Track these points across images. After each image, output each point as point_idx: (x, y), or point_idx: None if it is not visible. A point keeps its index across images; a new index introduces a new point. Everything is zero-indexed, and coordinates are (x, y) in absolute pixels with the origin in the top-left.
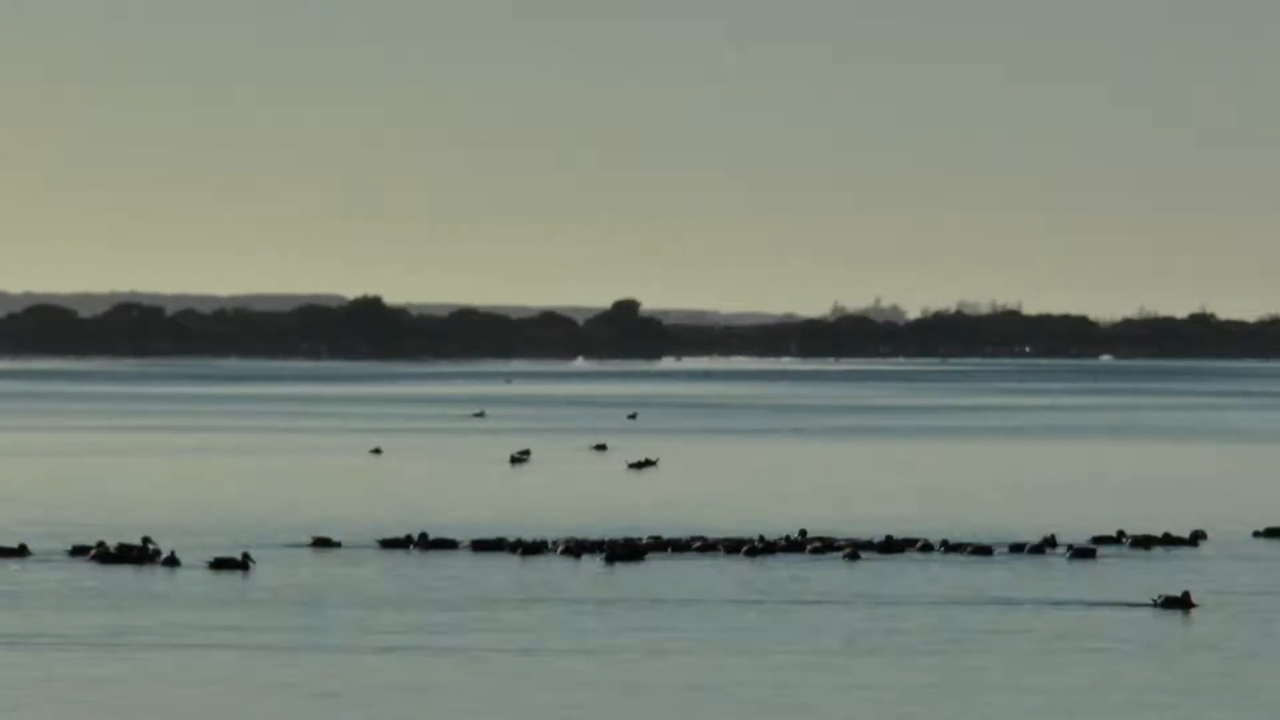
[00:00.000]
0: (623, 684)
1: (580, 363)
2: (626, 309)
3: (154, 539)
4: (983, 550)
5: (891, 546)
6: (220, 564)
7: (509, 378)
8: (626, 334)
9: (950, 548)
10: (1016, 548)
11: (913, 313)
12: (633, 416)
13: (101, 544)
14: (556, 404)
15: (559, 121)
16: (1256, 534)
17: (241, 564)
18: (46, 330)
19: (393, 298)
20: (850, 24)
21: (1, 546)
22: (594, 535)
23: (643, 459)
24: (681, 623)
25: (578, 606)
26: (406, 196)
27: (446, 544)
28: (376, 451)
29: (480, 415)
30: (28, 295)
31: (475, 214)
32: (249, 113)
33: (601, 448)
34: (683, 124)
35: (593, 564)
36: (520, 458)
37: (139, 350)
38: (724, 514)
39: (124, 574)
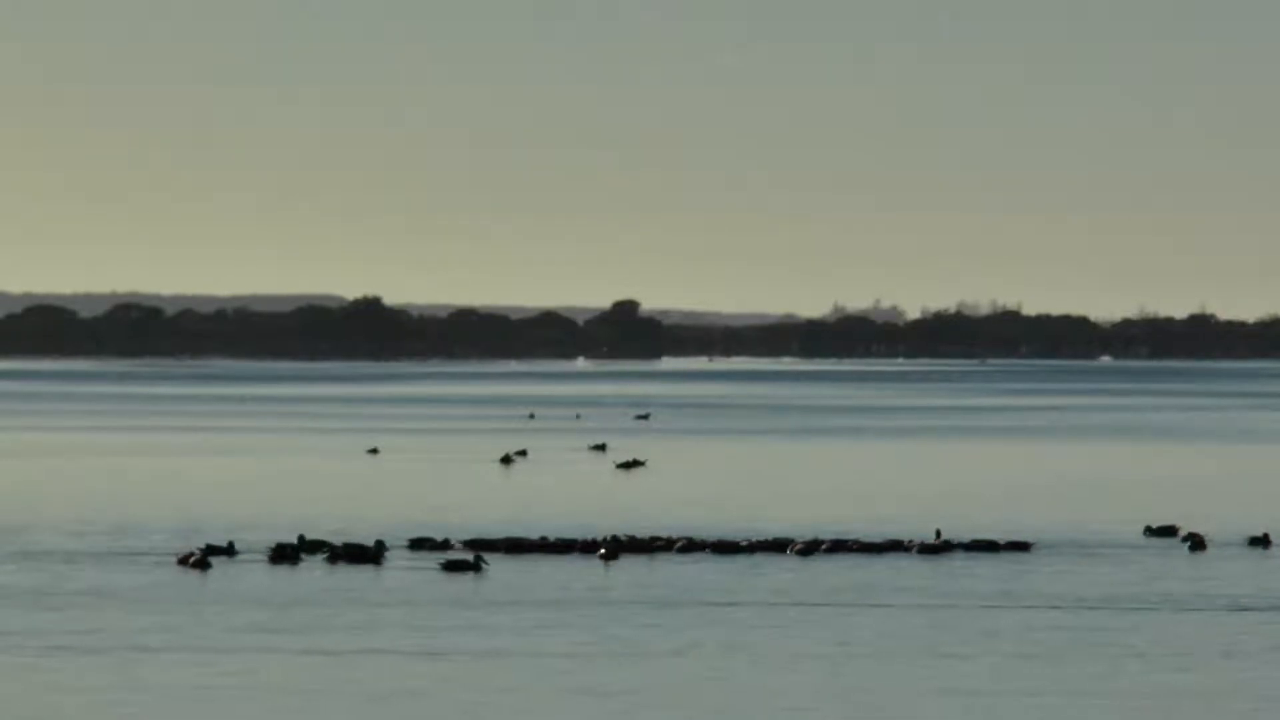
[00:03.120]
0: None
1: (581, 363)
2: (626, 309)
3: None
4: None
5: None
6: (453, 565)
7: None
8: (626, 334)
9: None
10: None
11: (913, 313)
12: (644, 417)
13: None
14: (582, 405)
15: (559, 121)
16: None
17: (474, 565)
18: (46, 330)
19: (393, 298)
20: (851, 24)
21: (213, 545)
22: (536, 534)
23: (631, 459)
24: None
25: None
26: (406, 196)
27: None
28: (374, 451)
29: (531, 417)
30: (28, 295)
31: (475, 214)
32: (249, 113)
33: (601, 448)
34: (683, 124)
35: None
36: (510, 458)
37: (139, 350)
38: (701, 514)
39: (359, 575)
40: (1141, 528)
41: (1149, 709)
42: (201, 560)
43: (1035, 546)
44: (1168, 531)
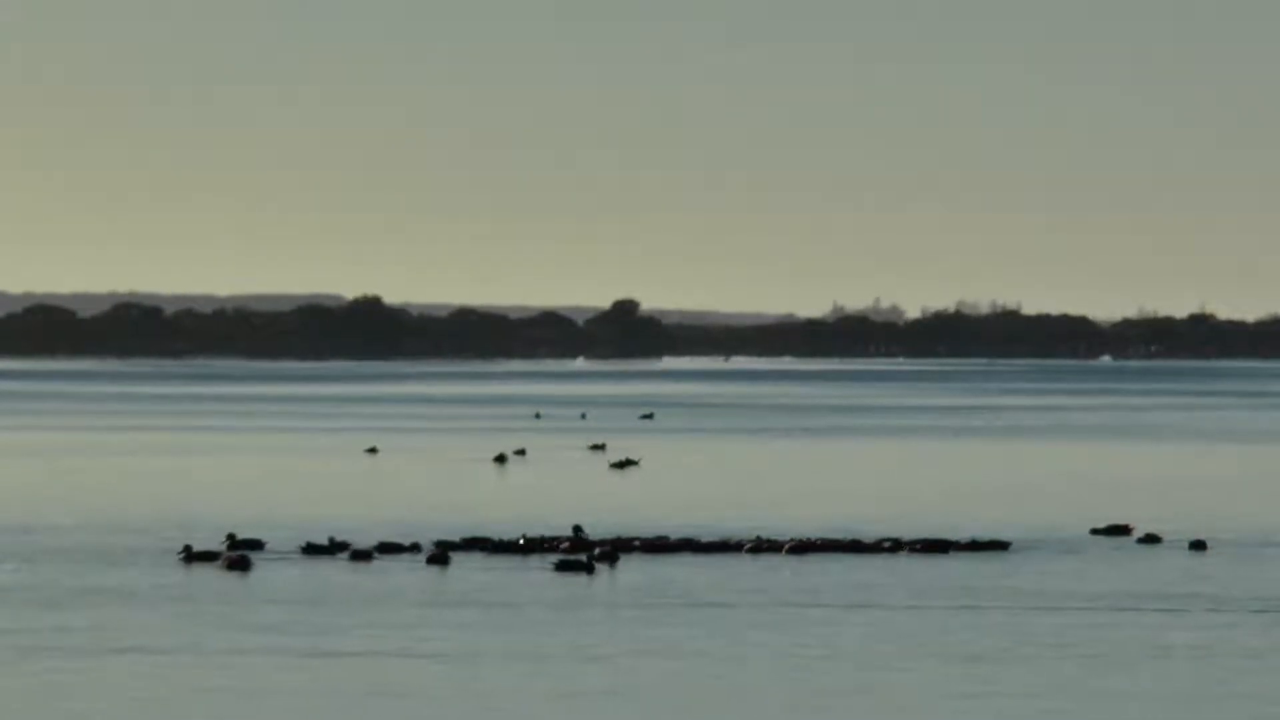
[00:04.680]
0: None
1: (581, 362)
2: (626, 309)
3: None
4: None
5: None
6: (566, 565)
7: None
8: (626, 334)
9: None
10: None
11: (912, 312)
12: (648, 416)
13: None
14: (582, 404)
15: (559, 121)
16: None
17: (588, 565)
18: (46, 330)
19: (393, 298)
20: (851, 24)
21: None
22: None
23: (624, 458)
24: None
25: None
26: (406, 196)
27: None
28: (372, 451)
29: (538, 416)
30: (28, 295)
31: (475, 214)
32: (249, 113)
33: (600, 447)
34: (683, 124)
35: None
36: (504, 457)
37: (139, 350)
38: (690, 512)
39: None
40: (1149, 527)
41: (1146, 709)
42: (241, 560)
43: (1013, 545)
44: (1119, 530)
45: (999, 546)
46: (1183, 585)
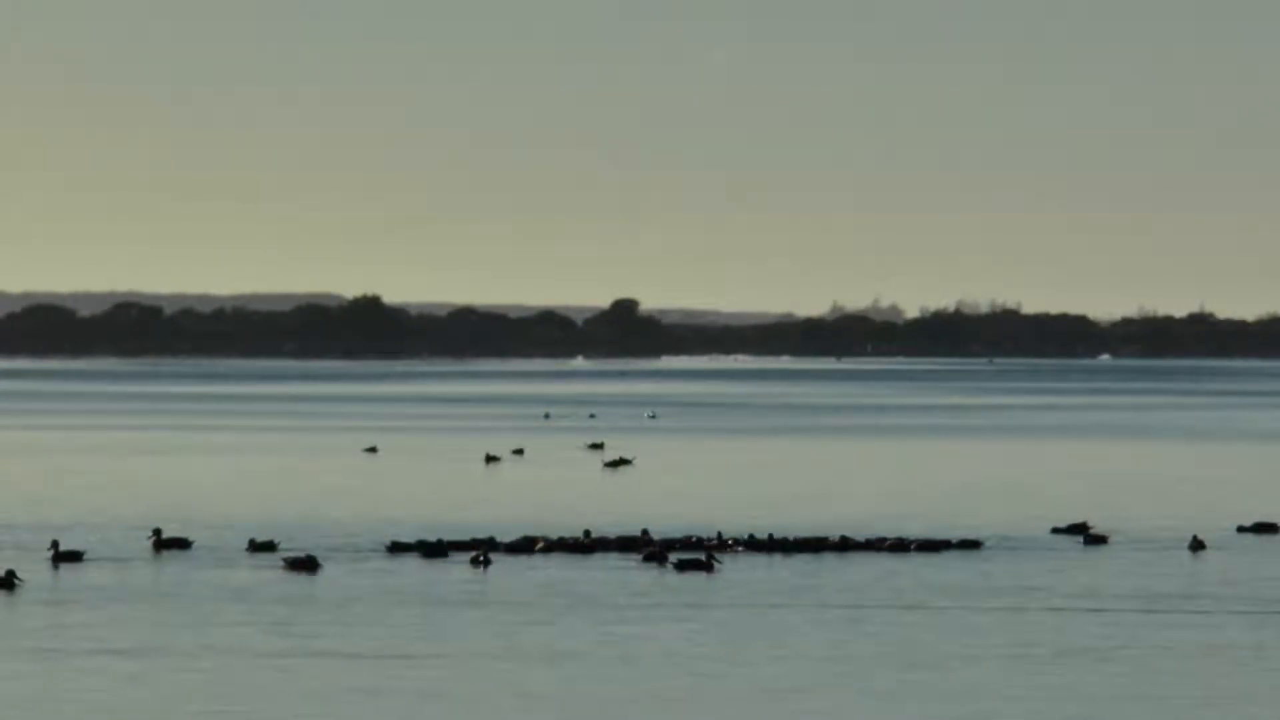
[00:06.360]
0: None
1: (580, 362)
2: (626, 308)
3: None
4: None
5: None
6: (684, 565)
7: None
8: (626, 334)
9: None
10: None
11: (911, 312)
12: (652, 416)
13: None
14: (575, 404)
15: (559, 121)
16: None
17: (706, 565)
18: (46, 330)
19: (392, 297)
20: (850, 24)
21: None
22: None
23: (617, 458)
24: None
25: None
26: (406, 196)
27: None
28: (372, 450)
29: (547, 416)
30: (27, 295)
31: (475, 214)
32: (249, 113)
33: (598, 446)
34: (682, 124)
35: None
36: (495, 457)
37: (138, 350)
38: (673, 512)
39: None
40: (1157, 524)
41: (1139, 710)
42: (308, 561)
43: (986, 544)
44: (1077, 529)
45: (971, 545)
46: (1124, 585)
